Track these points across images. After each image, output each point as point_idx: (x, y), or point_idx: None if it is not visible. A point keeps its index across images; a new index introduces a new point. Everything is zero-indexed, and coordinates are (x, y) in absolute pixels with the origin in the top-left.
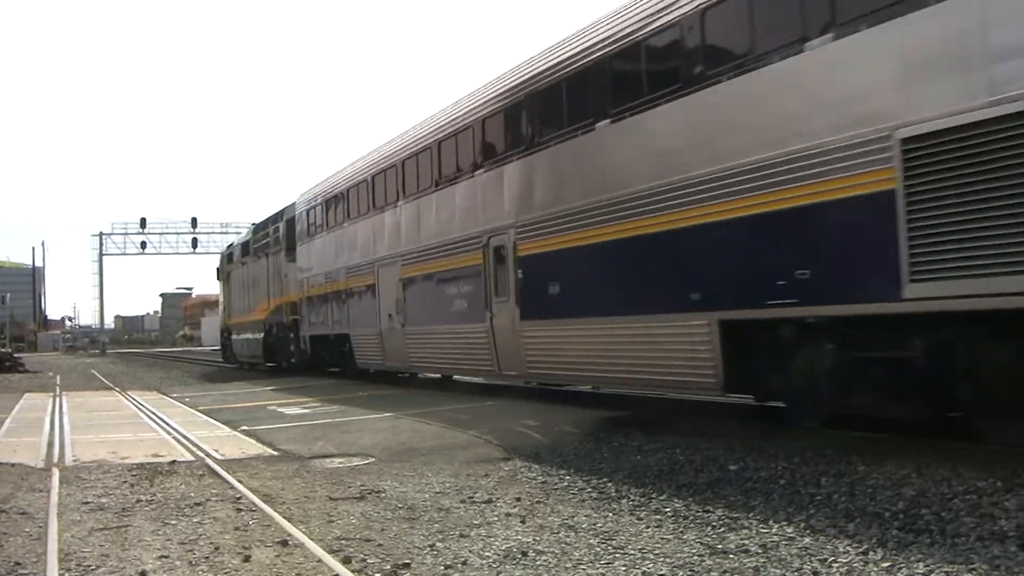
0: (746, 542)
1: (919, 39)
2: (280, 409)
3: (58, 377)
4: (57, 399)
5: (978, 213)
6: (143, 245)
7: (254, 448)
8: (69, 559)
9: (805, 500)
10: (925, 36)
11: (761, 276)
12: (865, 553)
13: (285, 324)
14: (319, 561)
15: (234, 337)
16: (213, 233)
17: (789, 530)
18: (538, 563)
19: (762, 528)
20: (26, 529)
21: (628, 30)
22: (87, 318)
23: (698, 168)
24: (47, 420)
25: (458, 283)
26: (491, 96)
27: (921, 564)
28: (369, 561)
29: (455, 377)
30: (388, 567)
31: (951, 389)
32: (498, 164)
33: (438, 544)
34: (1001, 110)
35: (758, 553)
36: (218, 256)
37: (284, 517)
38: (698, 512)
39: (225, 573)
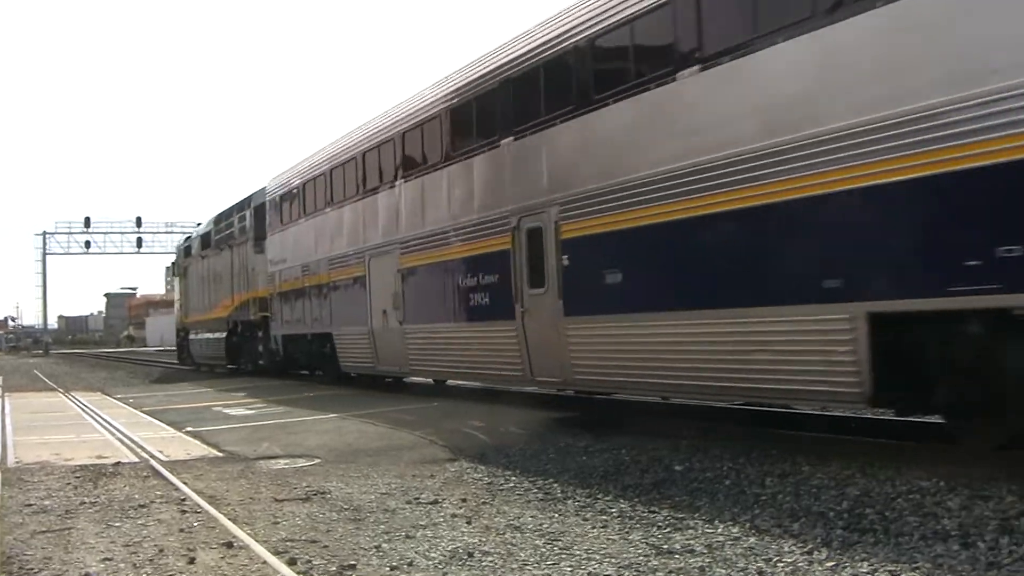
0: (692, 542)
1: None
2: (225, 410)
3: (0, 378)
4: None
5: None
6: (87, 244)
7: (199, 449)
8: (11, 562)
9: (750, 500)
10: None
11: (940, 255)
12: (810, 552)
13: (252, 322)
14: (264, 563)
15: (192, 337)
16: (158, 232)
17: (734, 530)
18: (484, 564)
19: (708, 528)
20: None
21: None
22: (30, 318)
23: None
24: None
25: (476, 273)
26: (524, 51)
27: (865, 563)
28: (315, 562)
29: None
30: (334, 568)
31: None
32: (535, 130)
33: (384, 545)
34: None
35: (704, 553)
36: (164, 255)
37: (229, 519)
38: (644, 513)
39: (170, 575)
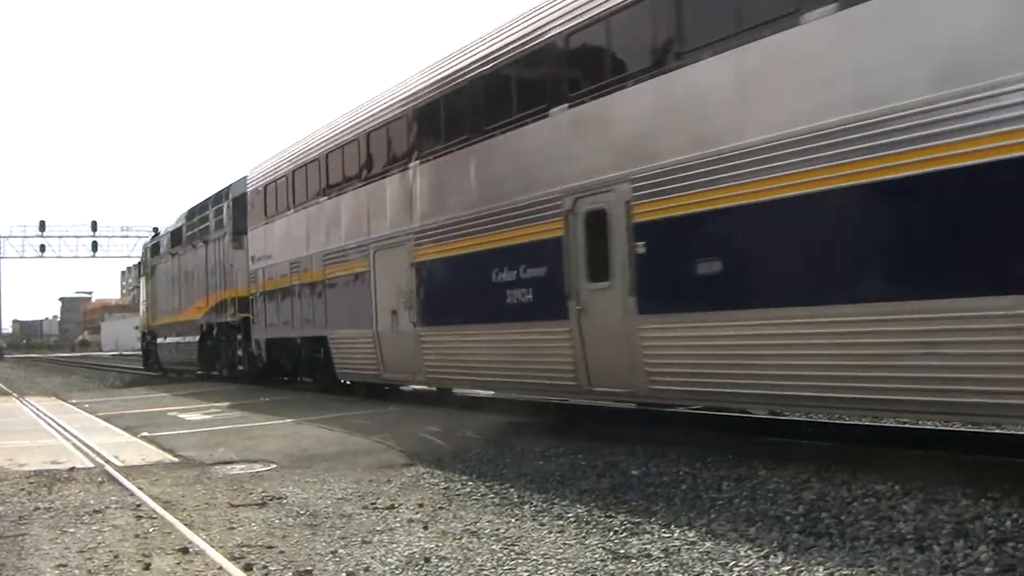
0: (648, 547)
1: None
2: (181, 415)
3: None
4: None
5: None
6: (42, 248)
7: (154, 454)
8: None
9: (707, 504)
10: None
11: None
12: (766, 557)
13: (230, 324)
14: (220, 568)
15: (160, 341)
16: (113, 237)
17: (691, 535)
18: (441, 569)
19: (664, 533)
20: None
21: None
22: None
23: None
24: None
25: (516, 266)
26: None
27: (821, 567)
28: (271, 568)
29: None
30: (290, 574)
31: None
32: (597, 95)
33: (340, 550)
34: None
35: (660, 558)
36: (120, 260)
37: (185, 524)
38: (600, 517)
39: None
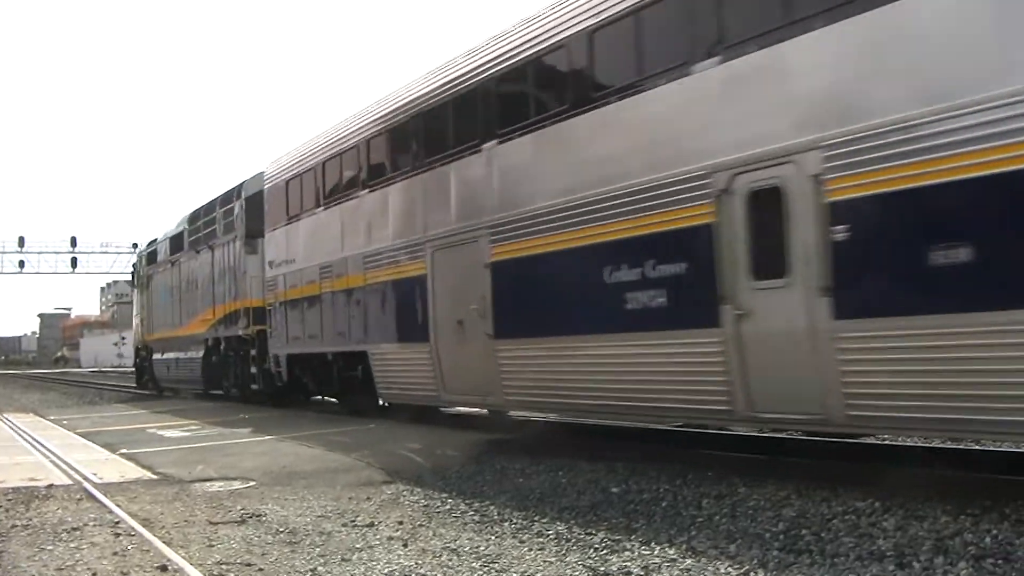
0: (628, 564)
1: None
2: (160, 432)
3: None
4: None
5: None
6: (21, 264)
7: (133, 471)
8: None
9: (687, 522)
10: None
11: None
12: (746, 574)
13: (242, 338)
14: None
15: (156, 357)
16: (93, 253)
17: (671, 552)
18: None
19: (644, 550)
20: None
21: None
22: None
23: None
24: None
25: (638, 263)
26: None
27: None
28: None
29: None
30: None
31: None
32: (771, 42)
33: (320, 568)
34: None
35: (640, 575)
36: (99, 276)
37: (164, 542)
38: (580, 535)
39: None
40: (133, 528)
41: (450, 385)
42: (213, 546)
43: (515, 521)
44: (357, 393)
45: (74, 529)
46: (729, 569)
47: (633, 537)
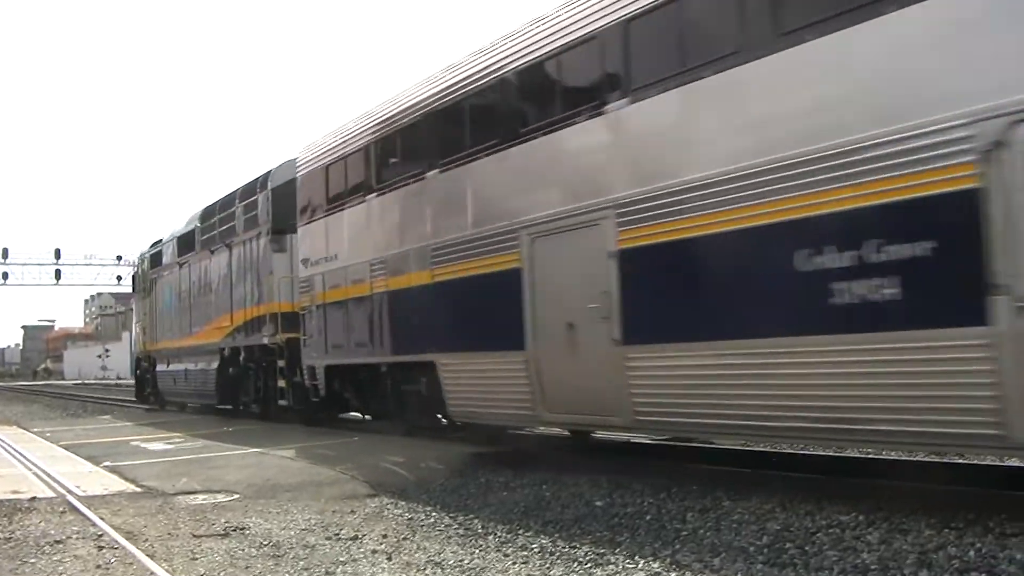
0: None
1: None
2: (143, 444)
3: None
4: None
5: None
6: (4, 276)
7: (117, 484)
8: None
9: (671, 535)
10: None
11: None
12: None
13: (266, 348)
14: None
15: (160, 369)
16: (77, 265)
17: (655, 565)
18: None
19: (628, 564)
20: None
21: None
22: None
23: None
24: None
25: (853, 243)
26: None
27: None
28: None
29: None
30: None
31: None
32: None
33: None
34: None
35: None
36: (83, 288)
37: (147, 555)
38: (565, 548)
39: None
40: (116, 541)
41: (552, 401)
42: (196, 559)
43: (499, 534)
44: (414, 410)
45: (57, 542)
46: None
47: (617, 551)
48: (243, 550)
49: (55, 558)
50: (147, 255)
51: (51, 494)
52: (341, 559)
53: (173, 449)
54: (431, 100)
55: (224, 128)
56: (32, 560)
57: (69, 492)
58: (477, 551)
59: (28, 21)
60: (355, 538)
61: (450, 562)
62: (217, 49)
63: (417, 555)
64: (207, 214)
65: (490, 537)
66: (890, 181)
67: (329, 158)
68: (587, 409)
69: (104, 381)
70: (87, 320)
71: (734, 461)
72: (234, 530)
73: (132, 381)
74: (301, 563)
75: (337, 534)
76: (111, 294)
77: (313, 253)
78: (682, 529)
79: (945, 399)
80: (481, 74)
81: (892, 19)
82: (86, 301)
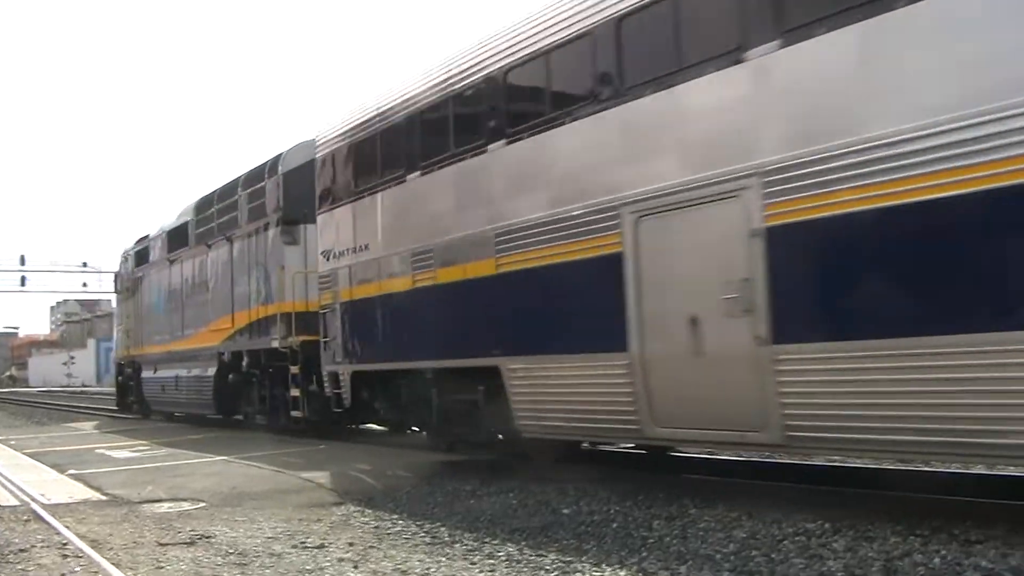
0: None
1: None
2: (109, 452)
3: None
4: None
5: None
6: None
7: (82, 492)
8: None
9: (638, 543)
10: None
11: None
12: None
13: (276, 352)
14: None
15: (146, 375)
16: (42, 271)
17: (622, 573)
18: None
19: (595, 571)
20: None
21: None
22: None
23: None
24: None
25: None
26: None
27: None
28: None
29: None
30: None
31: None
32: None
33: None
34: None
35: None
36: (48, 295)
37: (112, 563)
38: (531, 556)
39: None
40: (81, 550)
41: (665, 413)
42: (162, 568)
43: (466, 543)
44: (466, 423)
45: (21, 551)
46: None
47: (584, 558)
48: (209, 559)
49: (19, 567)
50: (131, 252)
51: (15, 502)
52: (307, 567)
53: (139, 457)
54: (501, 57)
55: (196, 134)
56: None
57: (33, 500)
58: (444, 559)
59: None
60: (321, 546)
61: (416, 570)
62: (190, 52)
63: (383, 563)
64: (203, 205)
65: (457, 545)
66: None
67: (357, 135)
68: (716, 423)
69: (69, 388)
70: (52, 327)
71: (700, 469)
72: (200, 538)
73: (97, 388)
74: (267, 571)
75: (303, 542)
76: (77, 301)
77: (336, 244)
78: (648, 537)
79: None
80: (572, 21)
81: None
82: (52, 308)
